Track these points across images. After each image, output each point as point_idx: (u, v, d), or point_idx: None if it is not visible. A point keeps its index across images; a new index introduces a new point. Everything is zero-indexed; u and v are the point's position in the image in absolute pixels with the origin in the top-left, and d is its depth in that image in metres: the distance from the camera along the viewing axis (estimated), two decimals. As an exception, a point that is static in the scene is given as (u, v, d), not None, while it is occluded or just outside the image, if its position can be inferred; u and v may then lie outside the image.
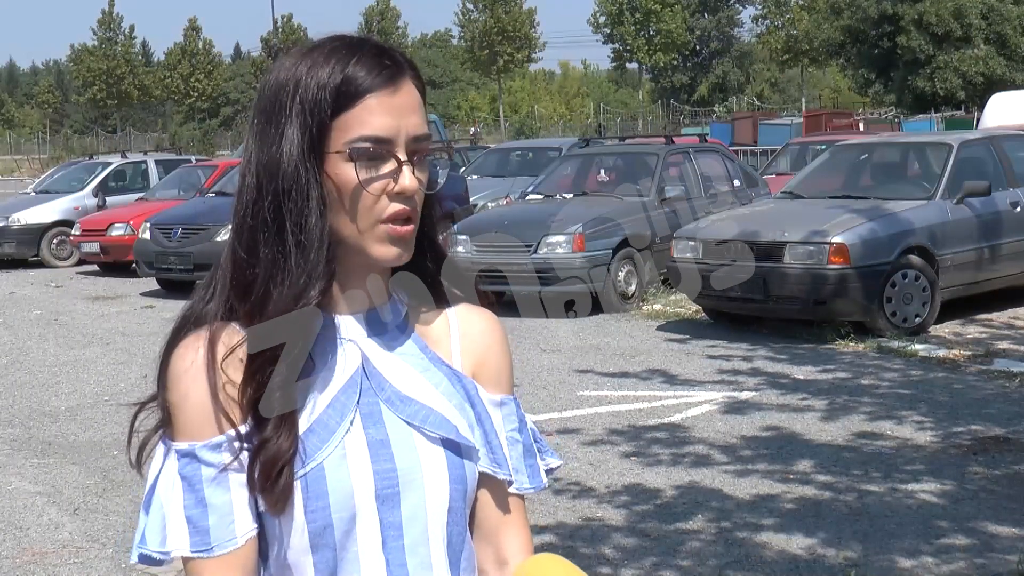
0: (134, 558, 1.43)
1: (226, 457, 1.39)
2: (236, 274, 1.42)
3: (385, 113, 1.41)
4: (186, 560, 1.40)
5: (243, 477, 1.39)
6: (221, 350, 1.40)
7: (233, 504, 1.39)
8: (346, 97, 1.40)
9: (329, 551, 1.41)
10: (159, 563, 1.42)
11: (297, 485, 1.38)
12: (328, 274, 1.41)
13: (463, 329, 1.55)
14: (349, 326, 1.47)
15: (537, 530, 5.28)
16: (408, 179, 1.41)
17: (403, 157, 1.41)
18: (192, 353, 1.41)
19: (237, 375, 1.39)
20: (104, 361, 10.29)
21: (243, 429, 1.39)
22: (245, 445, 1.39)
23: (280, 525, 1.40)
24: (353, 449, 1.41)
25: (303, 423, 1.41)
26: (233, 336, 1.41)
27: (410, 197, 1.42)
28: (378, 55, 1.43)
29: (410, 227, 1.43)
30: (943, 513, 5.54)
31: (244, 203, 1.43)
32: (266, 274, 1.40)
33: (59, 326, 12.46)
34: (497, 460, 1.50)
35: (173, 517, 1.39)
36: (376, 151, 1.40)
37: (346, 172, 1.40)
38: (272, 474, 1.37)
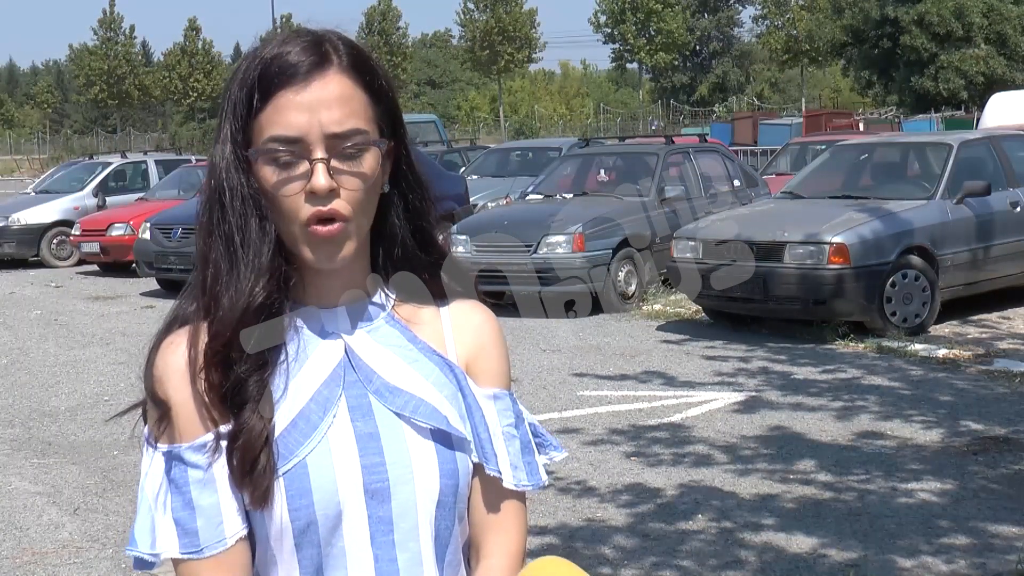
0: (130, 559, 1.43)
1: (211, 458, 1.38)
2: (199, 273, 1.43)
3: (294, 110, 1.37)
4: (176, 562, 1.40)
5: (228, 476, 1.38)
6: (200, 349, 1.39)
7: (221, 505, 1.38)
8: (261, 96, 1.38)
9: (314, 548, 1.40)
10: (151, 565, 1.42)
11: (280, 483, 1.38)
12: (272, 271, 1.39)
13: (457, 322, 1.53)
14: (332, 319, 1.46)
15: (538, 530, 5.28)
16: (320, 178, 1.36)
17: (319, 155, 1.37)
18: (173, 353, 1.41)
19: (215, 374, 1.38)
20: (104, 361, 10.29)
21: (225, 429, 1.38)
22: (227, 443, 1.38)
23: (265, 523, 1.39)
24: (338, 443, 1.40)
25: (285, 418, 1.40)
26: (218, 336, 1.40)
27: (327, 196, 1.37)
28: (302, 47, 1.39)
29: (333, 227, 1.38)
30: (943, 513, 5.54)
31: (201, 203, 1.44)
32: (214, 275, 1.40)
33: (59, 326, 12.46)
34: (485, 453, 1.47)
35: (161, 519, 1.39)
36: (285, 152, 1.37)
37: (262, 175, 1.39)
38: (249, 463, 1.36)
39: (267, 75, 1.38)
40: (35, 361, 10.46)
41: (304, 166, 1.37)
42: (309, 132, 1.37)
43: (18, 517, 6.00)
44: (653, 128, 45.58)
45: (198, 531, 1.38)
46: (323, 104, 1.37)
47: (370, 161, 1.40)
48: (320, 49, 1.40)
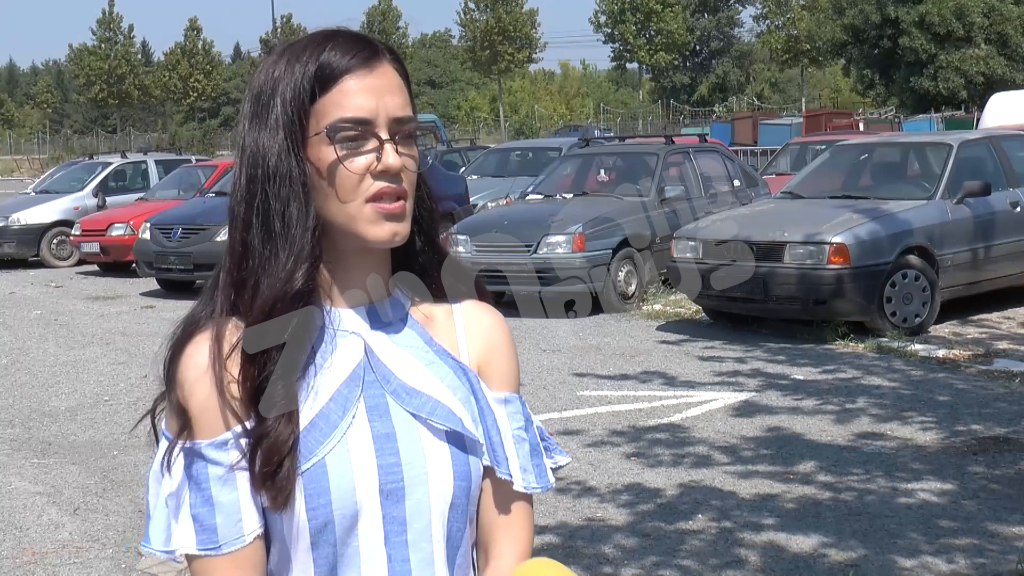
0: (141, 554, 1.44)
1: (232, 455, 1.38)
2: (232, 267, 1.44)
3: (362, 93, 1.41)
4: (192, 558, 1.40)
5: (247, 474, 1.39)
6: (225, 347, 1.40)
7: (240, 502, 1.39)
8: (323, 81, 1.41)
9: (329, 547, 1.40)
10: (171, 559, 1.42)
11: (298, 482, 1.38)
12: (313, 258, 1.41)
13: (469, 324, 1.55)
14: (352, 319, 1.47)
15: (538, 530, 5.28)
16: (392, 157, 1.41)
17: (384, 136, 1.41)
18: (198, 351, 1.41)
19: (247, 367, 1.39)
20: (104, 361, 10.28)
21: (248, 426, 1.39)
22: (250, 442, 1.39)
23: (281, 522, 1.40)
24: (356, 443, 1.41)
25: (305, 417, 1.40)
26: (236, 332, 1.41)
27: (396, 175, 1.42)
28: (353, 40, 1.44)
29: (400, 203, 1.43)
30: (943, 513, 5.54)
31: (236, 197, 1.45)
32: (256, 263, 1.42)
33: (59, 326, 12.46)
34: (497, 457, 1.49)
35: (179, 516, 1.39)
36: (356, 131, 1.41)
37: (327, 154, 1.41)
38: (272, 467, 1.37)
39: (328, 64, 1.42)
40: (35, 361, 10.46)
41: (372, 144, 1.42)
42: (378, 114, 1.41)
43: (18, 517, 6.00)
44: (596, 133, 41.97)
45: (217, 528, 1.38)
46: (386, 90, 1.43)
47: (415, 148, 1.46)
48: (369, 42, 1.46)
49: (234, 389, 1.39)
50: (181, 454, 1.40)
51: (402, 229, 1.44)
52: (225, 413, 1.39)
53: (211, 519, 1.38)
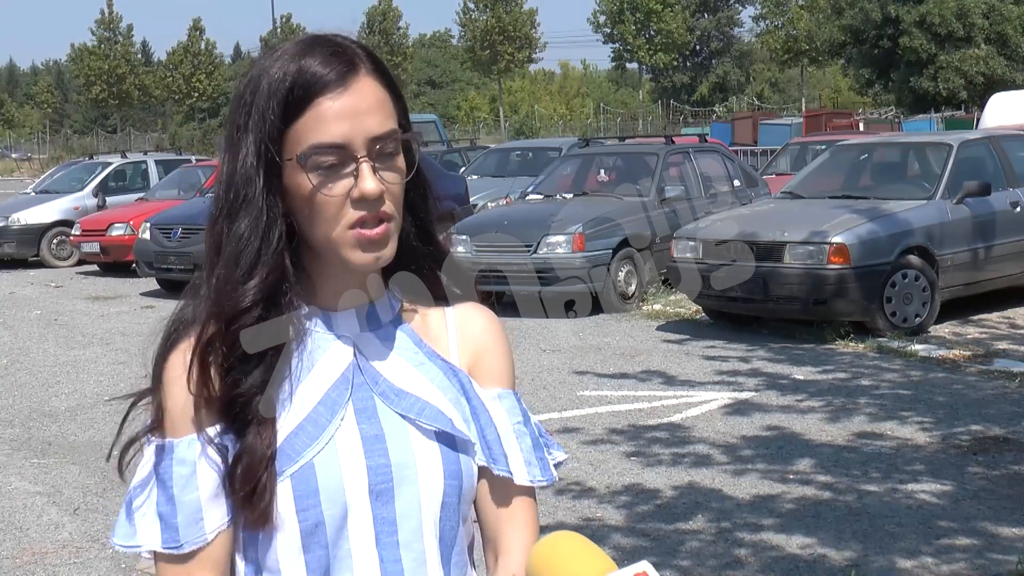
0: (141, 554, 1.45)
1: (198, 456, 1.39)
2: (207, 278, 1.43)
3: (336, 118, 1.37)
4: (158, 556, 1.41)
5: (214, 474, 1.39)
6: (206, 352, 1.40)
7: (201, 500, 1.39)
8: (296, 105, 1.38)
9: (321, 549, 1.40)
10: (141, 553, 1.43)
11: (287, 484, 1.38)
12: (273, 274, 1.39)
13: (461, 325, 1.54)
14: (342, 322, 1.47)
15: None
16: (369, 183, 1.37)
17: (363, 158, 1.38)
18: (181, 355, 1.42)
19: (212, 376, 1.39)
20: (104, 361, 10.29)
21: (217, 428, 1.39)
22: (218, 443, 1.39)
23: (271, 526, 1.40)
24: (345, 445, 1.41)
25: (292, 421, 1.41)
26: (219, 338, 1.40)
27: (376, 200, 1.38)
28: (330, 55, 1.40)
29: (382, 228, 1.40)
30: (943, 513, 5.54)
31: (211, 213, 1.44)
32: (223, 280, 1.40)
33: (59, 326, 12.46)
34: (494, 455, 1.49)
35: (146, 513, 1.40)
36: (330, 158, 1.38)
37: (303, 182, 1.38)
38: (251, 484, 1.37)
39: (300, 85, 1.38)
40: (35, 361, 10.46)
41: (349, 170, 1.38)
42: (353, 138, 1.38)
43: (18, 517, 6.00)
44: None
45: (179, 527, 1.39)
46: (363, 109, 1.39)
47: (401, 159, 1.43)
48: (346, 55, 1.41)
49: (209, 393, 1.39)
50: (152, 449, 1.42)
51: (386, 253, 1.42)
52: (198, 415, 1.40)
53: (174, 518, 1.39)
